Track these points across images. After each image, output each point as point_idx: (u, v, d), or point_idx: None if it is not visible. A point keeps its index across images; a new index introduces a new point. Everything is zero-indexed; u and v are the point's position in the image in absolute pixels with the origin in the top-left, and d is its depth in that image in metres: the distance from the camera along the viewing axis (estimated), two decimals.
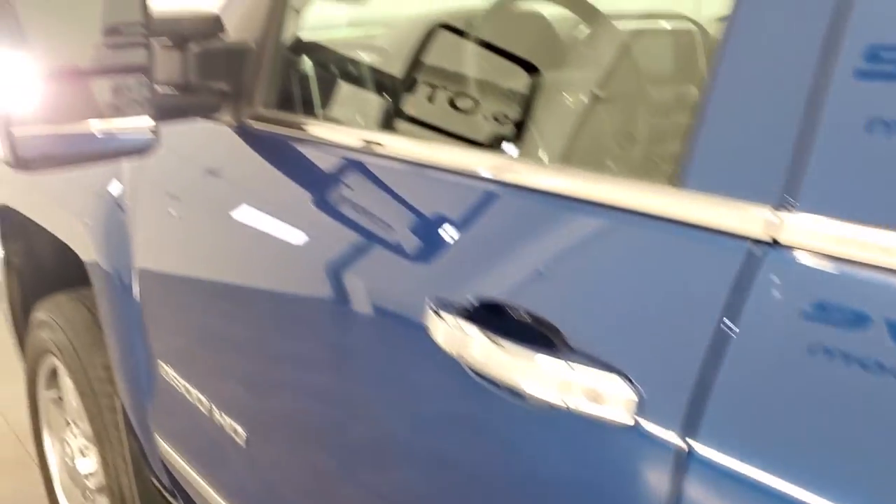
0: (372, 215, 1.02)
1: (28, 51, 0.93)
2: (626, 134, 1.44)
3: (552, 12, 1.51)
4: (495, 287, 0.81)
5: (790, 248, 0.59)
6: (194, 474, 1.40)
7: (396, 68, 1.33)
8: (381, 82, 1.32)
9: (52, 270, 2.00)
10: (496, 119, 1.28)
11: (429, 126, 1.26)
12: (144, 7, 0.99)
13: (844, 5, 0.58)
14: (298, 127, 1.17)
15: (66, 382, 1.83)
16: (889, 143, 0.55)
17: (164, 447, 1.50)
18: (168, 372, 1.39)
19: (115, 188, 1.50)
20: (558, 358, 0.70)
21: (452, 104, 1.28)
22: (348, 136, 1.11)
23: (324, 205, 1.10)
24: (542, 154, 1.28)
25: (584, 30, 1.52)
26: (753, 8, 0.65)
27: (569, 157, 1.31)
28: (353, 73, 1.32)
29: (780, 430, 0.57)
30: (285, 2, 1.20)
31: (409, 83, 1.28)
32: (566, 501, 0.72)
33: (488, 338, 0.76)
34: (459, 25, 1.37)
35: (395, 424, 0.95)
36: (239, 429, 1.21)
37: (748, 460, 0.58)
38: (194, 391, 1.31)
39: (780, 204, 0.60)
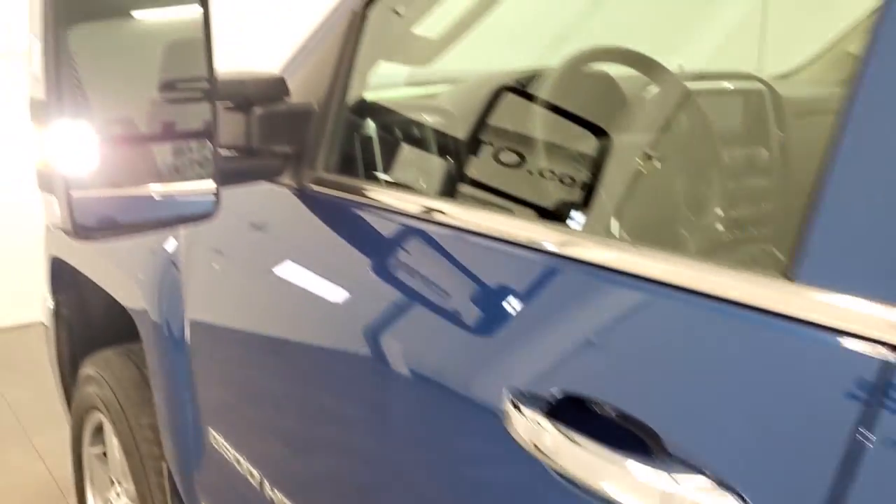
0: (435, 287, 0.97)
1: (88, 111, 0.90)
2: (699, 200, 1.38)
3: (618, 72, 1.46)
4: (578, 378, 0.74)
5: None
6: None
7: (460, 130, 1.29)
8: (445, 145, 1.28)
9: (101, 325, 1.98)
10: (563, 183, 1.23)
11: (493, 190, 1.21)
12: (211, 69, 0.96)
13: None
14: (359, 192, 1.13)
15: (112, 440, 1.79)
16: None
17: None
18: (217, 439, 1.34)
19: (170, 245, 1.48)
20: (656, 467, 0.63)
21: (518, 168, 1.23)
22: (409, 203, 1.07)
23: (386, 274, 1.05)
24: (613, 222, 1.22)
25: (651, 90, 1.47)
26: (885, 73, 0.58)
27: (640, 225, 1.26)
28: (416, 134, 1.28)
29: None
30: (351, 63, 1.17)
31: (473, 146, 1.23)
32: None
33: (572, 439, 0.69)
34: (524, 86, 1.33)
35: None
36: None
37: None
38: (245, 462, 1.26)
39: None
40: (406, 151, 1.25)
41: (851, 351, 0.56)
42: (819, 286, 0.59)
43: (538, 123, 1.24)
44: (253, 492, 1.24)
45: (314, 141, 1.18)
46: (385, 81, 1.43)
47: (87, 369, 1.85)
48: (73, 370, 2.04)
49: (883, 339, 0.55)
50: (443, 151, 1.27)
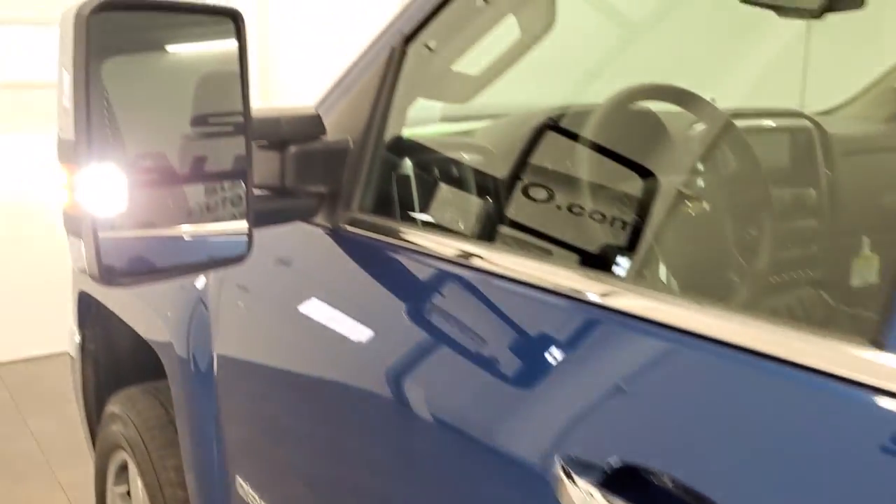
0: (474, 336, 0.92)
1: (118, 149, 0.86)
2: (748, 243, 1.32)
3: (660, 108, 1.41)
4: (635, 446, 0.69)
5: None
6: None
7: (500, 169, 1.24)
8: (485, 184, 1.23)
9: (128, 361, 1.94)
10: (608, 226, 1.17)
11: (534, 232, 1.16)
12: (247, 106, 0.92)
13: None
14: (395, 234, 1.09)
15: (136, 481, 1.75)
16: None
17: None
18: (245, 489, 1.29)
19: (199, 282, 1.44)
20: None
21: (560, 209, 1.18)
22: (447, 247, 1.02)
23: (423, 320, 1.01)
24: (661, 267, 1.16)
25: (697, 128, 1.42)
26: None
27: (689, 269, 1.20)
28: (454, 174, 1.23)
29: None
30: (389, 99, 1.13)
31: (514, 186, 1.19)
32: None
33: None
34: (565, 124, 1.29)
35: None
36: None
37: None
38: None
39: None
40: (444, 191, 1.20)
41: None
42: None
43: (582, 163, 1.19)
44: None
45: (350, 180, 1.14)
46: (418, 117, 1.39)
47: (113, 407, 1.81)
48: (98, 406, 2.01)
49: None
50: (482, 191, 1.22)
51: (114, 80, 0.83)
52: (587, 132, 1.21)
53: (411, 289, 1.05)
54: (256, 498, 1.26)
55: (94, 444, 2.05)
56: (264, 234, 1.02)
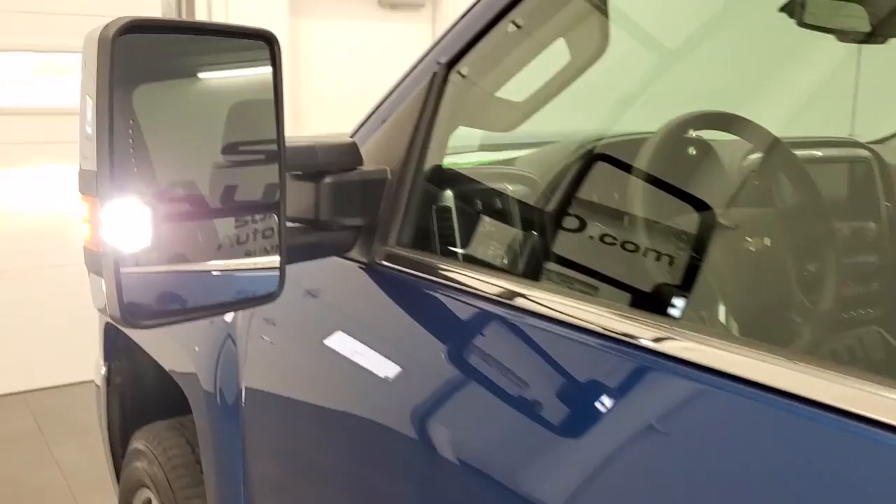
0: (517, 382, 0.87)
1: (143, 180, 0.80)
2: (811, 281, 1.23)
3: (714, 137, 1.34)
4: None
5: None
6: None
7: (546, 202, 1.17)
8: (530, 218, 1.16)
9: (154, 395, 1.89)
10: (663, 264, 1.10)
11: (584, 269, 1.08)
12: (281, 136, 0.86)
13: None
14: (434, 271, 1.02)
15: None
16: None
17: None
18: None
19: (228, 315, 1.39)
20: None
21: (612, 245, 1.11)
22: (489, 285, 0.95)
23: (464, 364, 0.94)
24: (720, 308, 1.08)
25: (751, 158, 1.34)
26: None
27: (748, 309, 1.12)
28: (497, 206, 1.16)
29: None
30: (429, 127, 1.07)
31: (562, 220, 1.12)
32: None
33: None
34: (616, 154, 1.22)
35: None
36: None
37: None
38: None
39: None
40: (486, 224, 1.13)
41: None
42: None
43: (635, 195, 1.12)
44: None
45: (387, 213, 1.07)
46: (456, 145, 1.33)
47: (138, 443, 1.76)
48: (123, 440, 1.95)
49: None
50: (527, 225, 1.15)
51: (139, 107, 0.77)
52: (640, 163, 1.14)
53: (450, 329, 0.99)
54: None
55: (118, 478, 1.99)
56: (295, 267, 0.96)
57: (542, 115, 1.29)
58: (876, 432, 0.54)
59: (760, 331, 1.12)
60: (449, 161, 1.19)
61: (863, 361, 1.26)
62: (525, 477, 0.78)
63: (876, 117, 2.15)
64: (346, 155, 1.03)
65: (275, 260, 0.92)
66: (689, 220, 1.13)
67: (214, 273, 0.91)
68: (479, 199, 1.16)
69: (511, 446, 0.82)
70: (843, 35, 1.36)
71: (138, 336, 1.71)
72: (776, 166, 1.27)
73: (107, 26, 0.73)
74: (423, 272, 1.03)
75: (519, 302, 0.90)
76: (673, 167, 1.17)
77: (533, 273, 1.12)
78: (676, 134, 1.18)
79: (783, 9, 1.27)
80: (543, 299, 0.88)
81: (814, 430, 0.59)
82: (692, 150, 1.22)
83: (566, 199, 1.12)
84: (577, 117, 1.54)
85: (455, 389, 0.92)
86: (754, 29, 1.81)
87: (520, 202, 1.17)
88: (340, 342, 1.11)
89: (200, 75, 0.86)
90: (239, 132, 0.88)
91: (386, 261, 1.07)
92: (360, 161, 1.05)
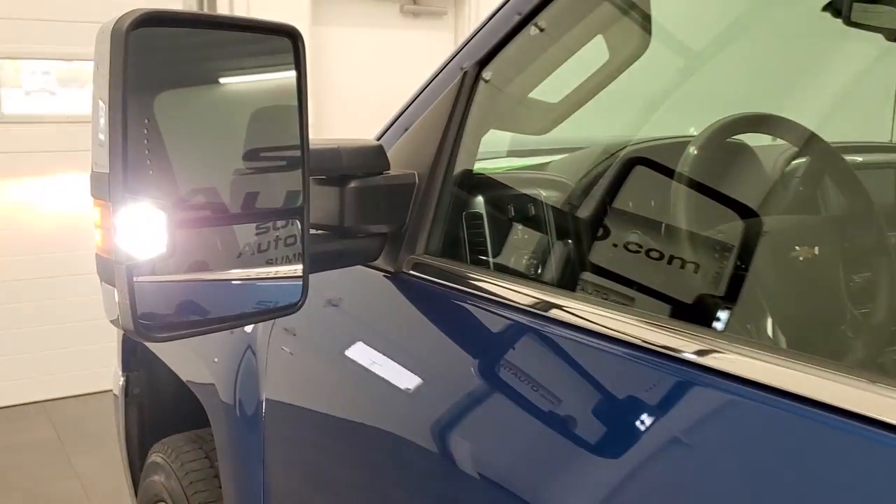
0: (550, 398, 0.82)
1: (157, 186, 0.75)
2: (861, 292, 1.16)
3: (757, 141, 1.27)
4: None
5: None
6: None
7: (581, 208, 1.12)
8: (564, 225, 1.10)
9: (172, 407, 1.85)
10: (705, 272, 1.03)
11: (622, 279, 1.03)
12: (305, 138, 0.81)
13: None
14: (464, 281, 0.97)
15: None
16: None
17: None
18: None
19: (248, 326, 1.34)
20: None
21: (651, 253, 1.05)
22: (522, 296, 0.90)
23: (495, 378, 0.89)
24: (767, 320, 1.02)
25: (797, 164, 1.27)
26: None
27: (799, 323, 1.06)
28: (530, 213, 1.11)
29: None
30: (460, 131, 1.01)
31: (598, 228, 1.06)
32: None
33: None
34: (654, 158, 1.16)
35: None
36: None
37: None
38: None
39: None
40: (519, 232, 1.08)
41: None
42: None
43: (677, 202, 1.06)
44: None
45: (415, 219, 1.02)
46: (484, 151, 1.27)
47: (155, 456, 1.72)
48: (141, 451, 1.92)
49: None
50: (562, 233, 1.09)
51: (154, 105, 0.72)
52: (681, 168, 1.08)
53: (481, 341, 0.94)
54: None
55: (136, 491, 1.95)
56: (317, 276, 0.91)
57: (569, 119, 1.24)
58: None
59: (810, 344, 1.06)
60: (479, 166, 1.13)
61: None
62: (559, 498, 0.74)
63: None
64: (372, 158, 0.98)
65: (297, 269, 0.87)
66: (732, 228, 1.07)
67: (234, 282, 0.86)
68: (511, 206, 1.11)
69: (545, 465, 0.78)
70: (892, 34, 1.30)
71: (156, 347, 1.67)
72: (823, 171, 1.21)
73: (120, 18, 0.68)
74: (453, 282, 0.98)
75: (553, 313, 0.85)
76: (715, 172, 1.11)
77: (568, 283, 1.06)
78: (719, 137, 1.12)
79: (826, 8, 1.21)
80: (580, 310, 0.83)
81: (874, 450, 0.55)
82: (734, 155, 1.16)
83: (603, 205, 1.07)
84: (601, 122, 1.49)
85: (485, 404, 0.87)
86: (782, 31, 1.74)
87: (554, 209, 1.12)
88: (365, 354, 1.06)
89: (220, 72, 0.81)
90: (260, 132, 0.83)
91: (413, 270, 1.02)
92: (386, 165, 1.00)
